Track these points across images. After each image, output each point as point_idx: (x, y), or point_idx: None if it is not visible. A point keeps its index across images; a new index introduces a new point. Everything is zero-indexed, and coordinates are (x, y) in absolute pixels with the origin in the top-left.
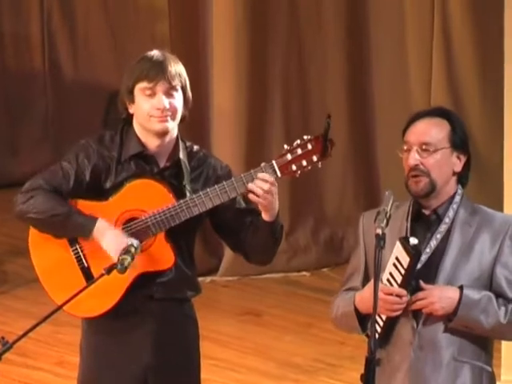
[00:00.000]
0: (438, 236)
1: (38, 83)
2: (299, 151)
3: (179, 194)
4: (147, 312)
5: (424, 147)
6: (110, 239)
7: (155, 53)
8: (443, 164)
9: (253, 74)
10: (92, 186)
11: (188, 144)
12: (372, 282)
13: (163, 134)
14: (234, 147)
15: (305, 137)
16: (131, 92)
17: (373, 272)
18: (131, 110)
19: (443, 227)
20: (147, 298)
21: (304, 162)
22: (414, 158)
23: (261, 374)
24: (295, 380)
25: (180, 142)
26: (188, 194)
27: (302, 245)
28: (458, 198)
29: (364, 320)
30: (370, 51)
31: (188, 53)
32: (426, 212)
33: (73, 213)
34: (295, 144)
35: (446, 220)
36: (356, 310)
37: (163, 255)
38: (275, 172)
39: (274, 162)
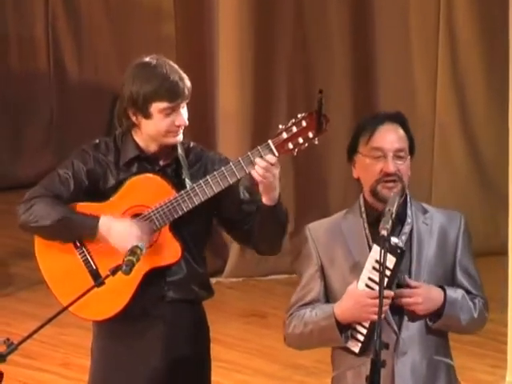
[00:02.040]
0: (403, 237)
1: (43, 85)
2: (294, 129)
3: (181, 189)
4: (158, 315)
5: (398, 154)
6: (116, 233)
7: (163, 65)
8: (408, 169)
9: (258, 75)
10: (91, 191)
11: (184, 141)
12: (350, 290)
13: (174, 145)
14: (239, 148)
15: (299, 115)
16: (145, 108)
17: (335, 280)
18: (137, 121)
19: (407, 228)
20: (159, 300)
21: (300, 140)
22: (393, 164)
23: (266, 375)
24: (300, 382)
25: None
26: (188, 187)
27: None
28: (408, 199)
29: (341, 332)
30: (376, 50)
31: (194, 54)
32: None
33: (75, 215)
34: (290, 122)
35: (409, 220)
36: (336, 322)
37: (169, 249)
38: (272, 151)
39: (270, 141)
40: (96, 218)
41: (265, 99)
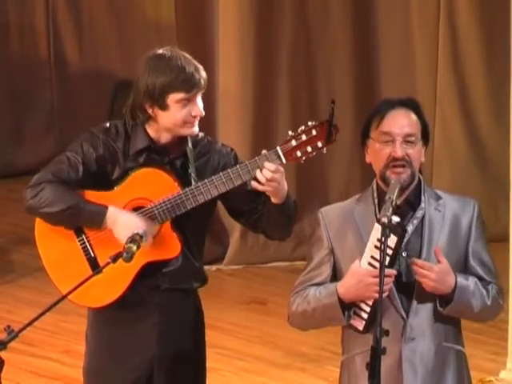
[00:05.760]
0: (415, 221)
1: (44, 73)
2: (304, 137)
3: (187, 183)
4: (153, 303)
5: (408, 139)
6: (121, 226)
7: (178, 57)
8: (419, 154)
9: (259, 58)
10: (99, 177)
11: None
12: (353, 269)
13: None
14: (239, 132)
15: (309, 123)
16: (162, 99)
17: (345, 265)
18: (153, 114)
19: (420, 212)
20: (153, 289)
21: (309, 148)
22: (401, 149)
23: (267, 362)
24: (301, 369)
25: None
26: (193, 183)
27: (308, 233)
28: (422, 184)
29: (344, 311)
30: (377, 38)
31: (194, 38)
32: (397, 202)
33: (83, 204)
34: (300, 130)
35: (422, 205)
36: (339, 301)
37: (169, 244)
38: (280, 158)
39: (278, 148)
40: (104, 209)
41: (265, 82)
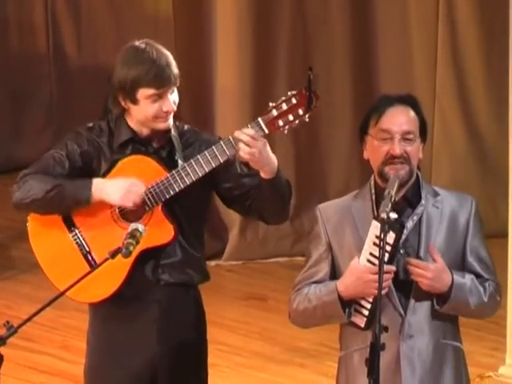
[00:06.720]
0: (415, 218)
1: (42, 69)
2: (284, 106)
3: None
4: (153, 298)
5: (406, 136)
6: (112, 189)
7: (151, 51)
8: (418, 151)
9: (257, 54)
10: (85, 172)
11: (178, 123)
12: (352, 266)
13: (166, 130)
14: (238, 128)
15: (289, 92)
16: (133, 93)
17: (344, 262)
18: (126, 106)
19: (420, 209)
20: (153, 283)
21: (290, 117)
22: (399, 146)
23: (266, 358)
24: (300, 364)
25: None
26: (179, 167)
27: (307, 229)
28: (421, 182)
29: (344, 308)
30: (376, 34)
31: (192, 33)
32: (396, 198)
33: (66, 182)
34: (280, 100)
35: (422, 202)
36: (339, 298)
37: (162, 229)
38: (262, 129)
39: (259, 119)
40: (88, 181)
41: (263, 78)
